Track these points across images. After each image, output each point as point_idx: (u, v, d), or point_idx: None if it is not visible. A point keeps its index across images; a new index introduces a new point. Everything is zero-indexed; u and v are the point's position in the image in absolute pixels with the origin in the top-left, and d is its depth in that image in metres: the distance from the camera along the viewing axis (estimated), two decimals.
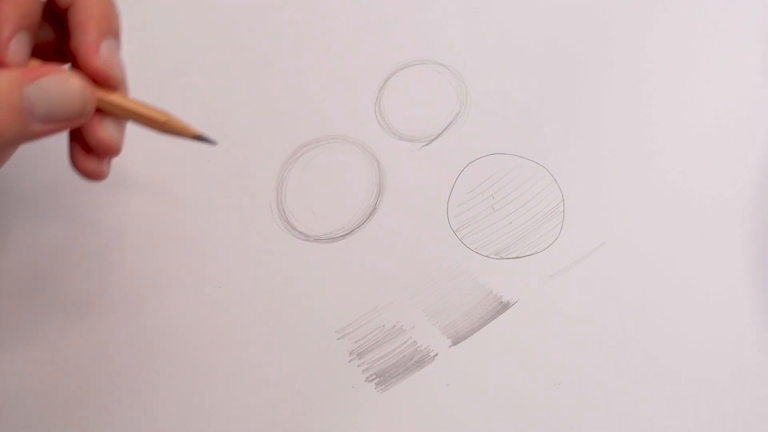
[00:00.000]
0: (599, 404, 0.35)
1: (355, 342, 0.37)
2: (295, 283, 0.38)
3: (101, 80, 0.30)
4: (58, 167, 0.38)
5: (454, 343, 0.37)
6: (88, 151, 0.31)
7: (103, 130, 0.30)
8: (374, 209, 0.40)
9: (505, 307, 0.37)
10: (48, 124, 0.28)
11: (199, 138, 0.32)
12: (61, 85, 0.28)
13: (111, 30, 0.30)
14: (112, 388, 0.37)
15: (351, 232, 0.39)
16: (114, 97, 0.30)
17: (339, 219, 0.40)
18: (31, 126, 0.28)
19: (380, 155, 0.41)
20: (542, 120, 0.41)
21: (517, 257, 0.38)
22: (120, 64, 0.31)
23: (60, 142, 0.32)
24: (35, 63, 0.30)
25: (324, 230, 0.39)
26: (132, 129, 0.32)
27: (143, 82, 0.41)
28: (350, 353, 0.37)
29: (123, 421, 0.36)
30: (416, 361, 0.37)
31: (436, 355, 0.37)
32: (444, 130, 0.41)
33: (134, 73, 0.38)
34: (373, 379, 0.36)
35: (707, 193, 0.39)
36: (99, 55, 0.30)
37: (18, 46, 0.28)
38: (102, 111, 0.30)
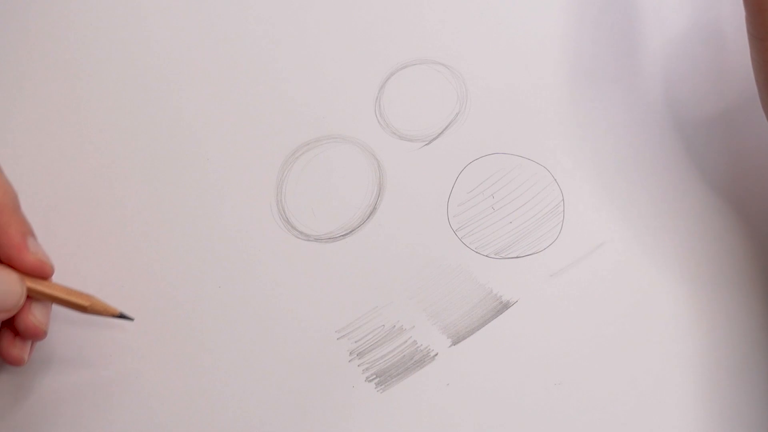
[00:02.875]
0: (599, 404, 0.35)
1: (355, 342, 0.37)
2: (295, 283, 0.38)
3: (35, 273, 0.34)
4: None
5: (454, 342, 0.37)
6: (16, 335, 0.34)
7: (32, 316, 0.34)
8: (374, 209, 0.40)
9: (505, 306, 0.37)
10: None
11: (120, 316, 0.36)
12: (3, 276, 0.33)
13: (28, 228, 0.34)
14: (111, 388, 0.36)
15: (351, 231, 0.39)
16: (43, 287, 0.34)
17: (339, 219, 0.40)
18: None
19: (380, 155, 0.41)
20: (542, 120, 0.41)
21: (517, 257, 0.38)
22: (46, 255, 0.34)
23: None
24: None
25: (324, 230, 0.39)
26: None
27: (143, 83, 0.41)
28: (350, 353, 0.37)
29: (122, 420, 0.36)
30: (416, 360, 0.37)
31: (436, 354, 0.37)
32: (444, 130, 0.41)
33: (135, 74, 0.38)
34: (373, 379, 0.36)
35: (709, 192, 0.39)
36: (30, 252, 0.33)
37: None
38: (31, 298, 0.34)
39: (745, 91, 0.42)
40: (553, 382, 0.36)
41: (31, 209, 0.36)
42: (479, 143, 0.41)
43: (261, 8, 0.40)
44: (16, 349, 0.34)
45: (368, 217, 0.40)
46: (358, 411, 0.36)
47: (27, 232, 0.34)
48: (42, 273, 0.34)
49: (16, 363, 0.34)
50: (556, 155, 0.40)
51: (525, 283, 0.38)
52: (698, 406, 0.35)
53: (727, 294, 0.37)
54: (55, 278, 0.35)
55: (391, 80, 0.43)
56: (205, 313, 0.38)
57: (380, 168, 0.41)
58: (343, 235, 0.39)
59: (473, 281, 0.38)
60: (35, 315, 0.34)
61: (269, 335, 0.37)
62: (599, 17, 0.44)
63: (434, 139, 0.41)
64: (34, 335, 0.34)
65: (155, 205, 0.40)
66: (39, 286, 0.34)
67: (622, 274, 0.38)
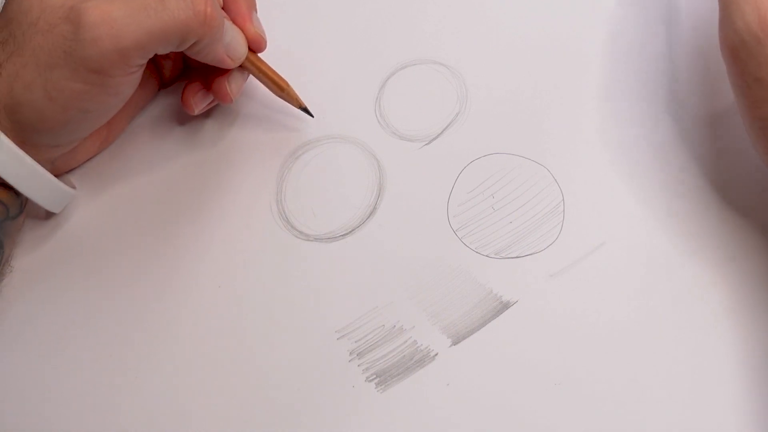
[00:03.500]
0: (599, 404, 0.35)
1: (355, 342, 0.37)
2: (295, 283, 0.38)
3: (252, 45, 0.38)
4: None
5: (454, 342, 0.37)
6: (200, 89, 0.39)
7: (228, 83, 0.38)
8: (374, 209, 0.40)
9: (505, 306, 0.37)
10: (225, 49, 0.37)
11: (304, 110, 0.40)
12: (238, 31, 0.38)
13: (254, 6, 0.39)
14: (112, 388, 0.36)
15: (351, 231, 0.39)
16: (255, 58, 0.39)
17: (339, 218, 0.40)
18: (218, 42, 0.36)
19: (380, 155, 0.41)
20: (542, 120, 0.41)
21: (517, 257, 0.38)
22: (264, 31, 0.39)
23: None
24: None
25: (324, 230, 0.39)
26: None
27: None
28: (350, 353, 0.37)
29: (122, 420, 0.36)
30: (416, 360, 0.37)
31: (436, 354, 0.37)
32: (444, 130, 0.41)
33: None
34: (373, 379, 0.36)
35: (709, 191, 0.39)
36: (253, 24, 0.38)
37: None
38: (241, 66, 0.39)
39: None
40: (552, 382, 0.36)
41: None
42: (479, 143, 0.41)
43: (261, 8, 0.40)
44: (197, 98, 0.39)
45: (368, 217, 0.40)
46: (358, 411, 0.36)
47: (253, 6, 0.39)
48: (258, 46, 0.39)
49: (189, 109, 0.39)
50: (556, 155, 0.40)
51: (525, 283, 0.38)
52: (698, 406, 0.35)
53: (727, 293, 0.37)
54: None
55: (391, 80, 0.43)
56: (205, 312, 0.38)
57: (380, 168, 0.41)
58: (343, 235, 0.39)
59: (473, 281, 0.38)
60: (230, 83, 0.39)
61: (269, 335, 0.37)
62: (599, 17, 0.44)
63: (434, 139, 0.41)
64: (223, 99, 0.39)
65: (155, 204, 0.40)
66: (253, 57, 0.39)
67: (622, 274, 0.38)
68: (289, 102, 0.40)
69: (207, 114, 0.42)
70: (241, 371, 0.37)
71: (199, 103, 0.39)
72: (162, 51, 0.34)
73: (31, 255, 0.39)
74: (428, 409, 0.36)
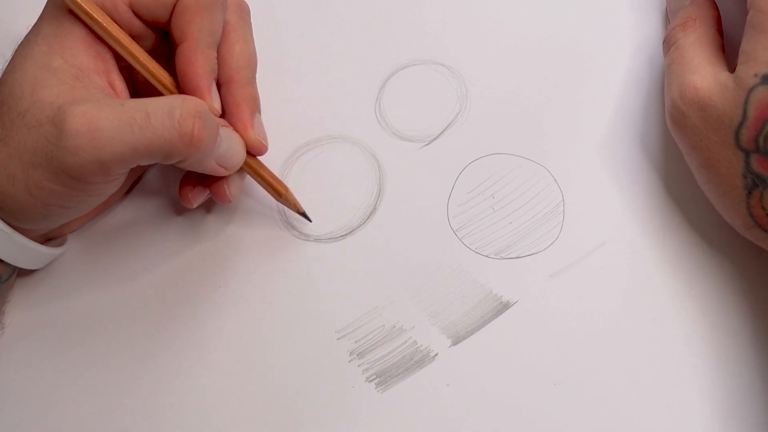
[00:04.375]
0: (598, 404, 0.35)
1: (356, 342, 0.37)
2: (295, 283, 0.38)
3: (252, 150, 0.37)
4: None
5: (454, 343, 0.37)
6: (196, 186, 0.37)
7: (227, 186, 0.37)
8: (374, 209, 0.40)
9: (505, 307, 0.37)
10: (218, 160, 0.35)
11: (302, 214, 0.39)
12: (236, 139, 0.36)
13: (258, 107, 0.37)
14: (111, 390, 0.37)
15: (351, 231, 0.39)
16: (255, 162, 0.37)
17: (339, 219, 0.40)
18: (208, 157, 0.34)
19: (380, 155, 0.41)
20: (542, 120, 0.41)
21: (517, 257, 0.38)
22: (265, 136, 0.37)
23: None
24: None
25: (324, 230, 0.39)
26: None
27: None
28: (350, 353, 0.37)
29: (123, 421, 0.36)
30: (416, 361, 0.37)
31: (436, 355, 0.37)
32: (444, 130, 0.41)
33: None
34: (373, 379, 0.36)
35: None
36: (254, 130, 0.36)
37: (215, 95, 0.36)
38: (240, 169, 0.37)
39: None
40: (552, 382, 0.36)
41: None
42: (479, 143, 0.41)
43: (261, 10, 0.40)
44: (194, 193, 0.37)
45: (368, 218, 0.40)
46: (358, 411, 0.36)
47: (256, 108, 0.37)
48: (258, 151, 0.37)
49: (187, 204, 0.38)
50: (556, 155, 0.40)
51: (525, 284, 0.38)
52: (698, 406, 0.35)
53: (727, 293, 0.37)
54: None
55: (391, 80, 0.43)
56: (205, 313, 0.38)
57: (380, 168, 0.41)
58: (343, 235, 0.39)
59: (473, 281, 0.38)
60: (229, 186, 0.37)
61: (269, 335, 0.37)
62: (601, 17, 0.44)
63: (434, 139, 0.41)
64: (221, 200, 0.37)
65: (155, 205, 0.40)
66: (253, 161, 0.37)
67: (622, 274, 0.38)
68: (287, 206, 0.39)
69: None
70: (241, 372, 0.37)
71: (197, 198, 0.38)
72: (145, 164, 0.33)
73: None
74: (428, 409, 0.36)
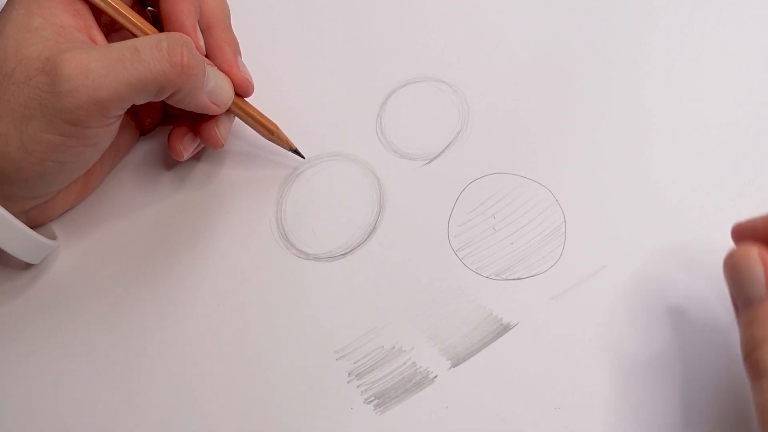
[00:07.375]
0: (599, 429, 0.35)
1: (354, 362, 0.37)
2: (293, 302, 0.38)
3: (239, 90, 0.38)
4: None
5: (454, 365, 0.37)
6: (187, 134, 0.39)
7: (216, 128, 0.38)
8: (374, 228, 0.40)
9: (505, 329, 0.37)
10: (209, 96, 0.36)
11: (295, 151, 0.40)
12: (223, 77, 0.37)
13: (238, 46, 0.39)
14: (111, 406, 0.36)
15: (351, 251, 0.39)
16: (243, 102, 0.39)
17: (339, 237, 0.39)
18: (200, 90, 0.35)
19: (381, 173, 0.41)
20: (544, 140, 0.41)
21: (518, 278, 0.38)
22: (250, 75, 0.39)
23: None
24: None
25: (323, 249, 0.39)
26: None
27: None
28: (349, 374, 0.37)
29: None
30: (415, 382, 0.36)
31: (436, 377, 0.36)
32: (445, 149, 0.41)
33: None
34: (371, 401, 0.36)
35: (712, 213, 0.39)
36: (239, 69, 0.38)
37: (200, 34, 0.37)
38: (228, 110, 0.38)
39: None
40: (553, 406, 0.35)
41: None
42: (481, 162, 0.41)
43: (264, 27, 0.40)
44: (185, 143, 0.39)
45: (368, 236, 0.39)
46: None
47: (238, 51, 0.39)
48: (245, 91, 0.39)
49: (177, 155, 0.39)
50: (558, 176, 0.40)
51: (525, 306, 0.37)
52: (700, 430, 0.35)
53: (731, 317, 0.37)
54: None
55: (392, 98, 0.42)
56: (203, 331, 0.38)
57: (381, 187, 0.40)
58: (342, 254, 0.39)
59: (473, 303, 0.38)
60: (219, 128, 0.38)
61: (268, 355, 0.37)
62: (602, 39, 0.43)
63: (435, 157, 0.41)
64: (214, 144, 0.39)
65: (154, 223, 0.40)
66: (241, 102, 0.39)
67: (624, 297, 0.37)
68: (279, 145, 0.40)
69: (197, 156, 0.41)
70: (239, 391, 0.36)
71: (187, 148, 0.39)
72: (140, 101, 0.34)
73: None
74: (427, 431, 0.35)
